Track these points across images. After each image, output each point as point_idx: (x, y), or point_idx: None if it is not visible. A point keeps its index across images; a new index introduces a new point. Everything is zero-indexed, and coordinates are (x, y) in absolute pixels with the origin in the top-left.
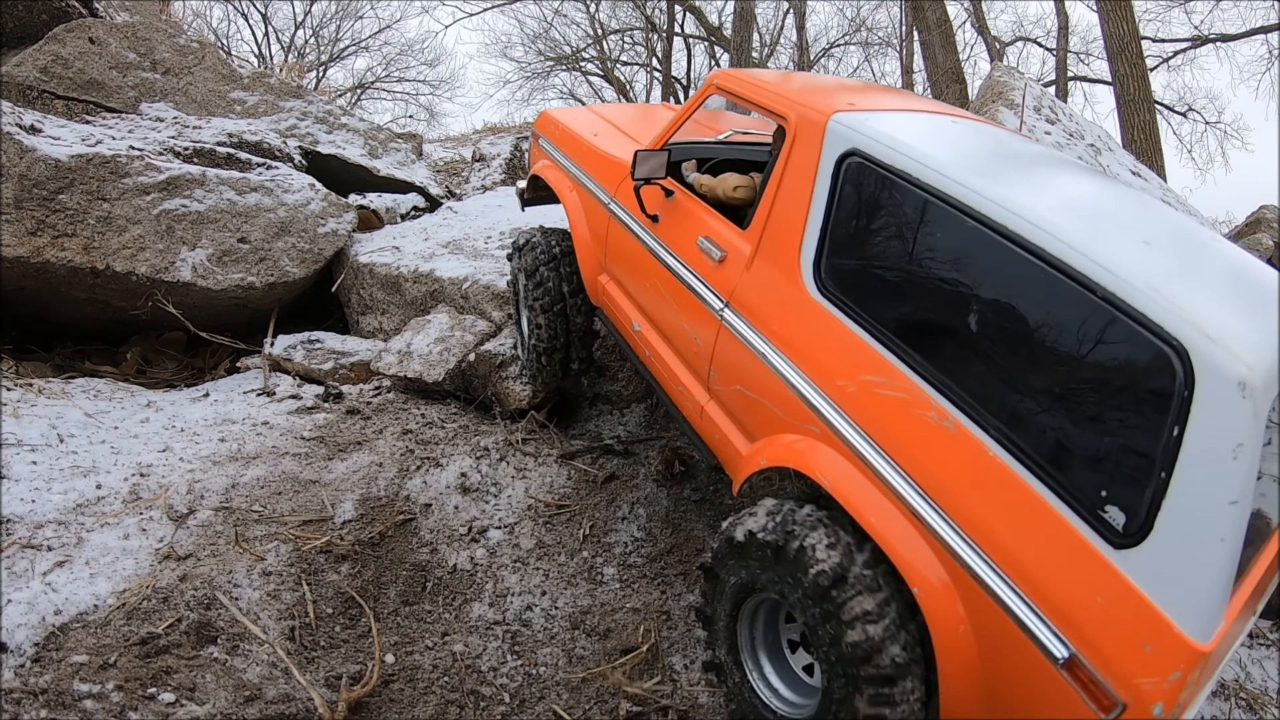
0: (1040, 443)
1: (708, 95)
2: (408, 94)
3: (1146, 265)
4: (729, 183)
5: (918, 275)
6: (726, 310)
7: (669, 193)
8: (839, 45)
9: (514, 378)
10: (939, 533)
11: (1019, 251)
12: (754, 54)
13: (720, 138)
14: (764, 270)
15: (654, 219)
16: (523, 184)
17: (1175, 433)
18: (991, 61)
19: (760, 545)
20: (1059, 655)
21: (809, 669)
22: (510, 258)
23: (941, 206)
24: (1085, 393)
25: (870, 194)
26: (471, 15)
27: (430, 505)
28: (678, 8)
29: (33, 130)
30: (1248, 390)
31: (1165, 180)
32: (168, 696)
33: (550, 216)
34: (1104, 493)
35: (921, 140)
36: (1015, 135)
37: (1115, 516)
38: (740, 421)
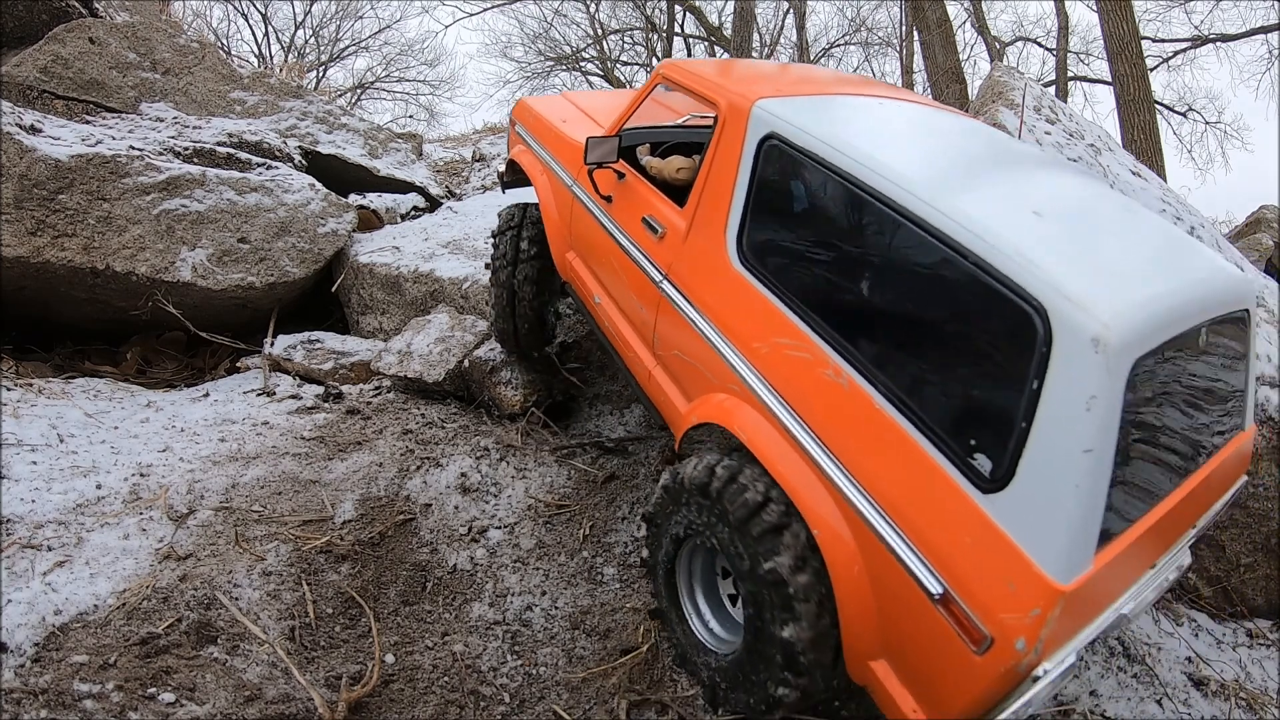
0: (919, 396)
1: (655, 85)
2: (408, 94)
3: (1025, 234)
4: (673, 164)
5: (820, 246)
6: (665, 282)
7: (621, 175)
8: (839, 45)
9: (506, 383)
10: (834, 479)
11: (904, 222)
12: (754, 54)
13: (679, 122)
14: (696, 245)
15: (608, 199)
16: (502, 168)
17: (1035, 386)
18: (991, 61)
19: (690, 489)
20: (934, 592)
21: (734, 598)
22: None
23: (840, 182)
24: (959, 350)
25: (784, 173)
26: (471, 15)
27: (430, 505)
28: (678, 8)
29: (33, 130)
30: (1101, 347)
31: (1165, 180)
32: (168, 696)
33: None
34: (973, 441)
35: (834, 122)
36: (948, 113)
37: (983, 464)
38: (680, 384)
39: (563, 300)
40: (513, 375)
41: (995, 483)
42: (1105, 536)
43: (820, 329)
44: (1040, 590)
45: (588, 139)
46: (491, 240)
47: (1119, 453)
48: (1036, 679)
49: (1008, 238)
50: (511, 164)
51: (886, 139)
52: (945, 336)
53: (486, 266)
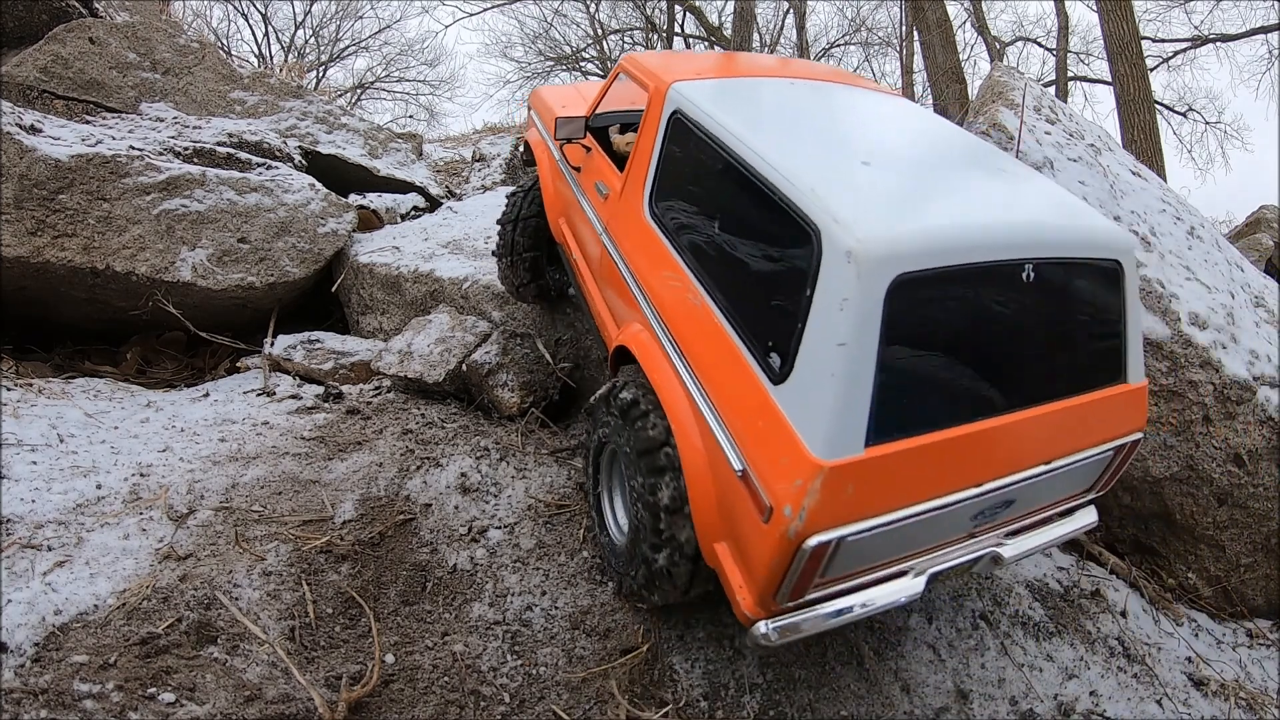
0: (740, 309)
1: (618, 75)
2: (408, 94)
3: (833, 177)
4: (625, 139)
5: (694, 197)
6: (604, 235)
7: (589, 149)
8: (839, 45)
9: (503, 385)
10: (685, 379)
11: (741, 171)
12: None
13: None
14: (625, 202)
15: (577, 170)
16: (522, 149)
17: (809, 293)
18: (991, 61)
19: (601, 398)
20: (738, 469)
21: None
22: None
23: (710, 145)
24: (768, 272)
25: (681, 141)
26: (471, 15)
27: (430, 505)
28: (678, 8)
29: (33, 130)
30: (853, 258)
31: (1165, 180)
32: (168, 696)
33: None
34: (770, 343)
35: (727, 100)
36: (864, 92)
37: (775, 361)
38: (615, 317)
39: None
40: (509, 378)
41: (781, 376)
42: (887, 432)
43: (688, 262)
44: (803, 464)
45: (557, 118)
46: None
47: (903, 369)
48: (808, 548)
49: (810, 179)
50: (525, 145)
51: (768, 112)
52: (760, 261)
53: (498, 222)
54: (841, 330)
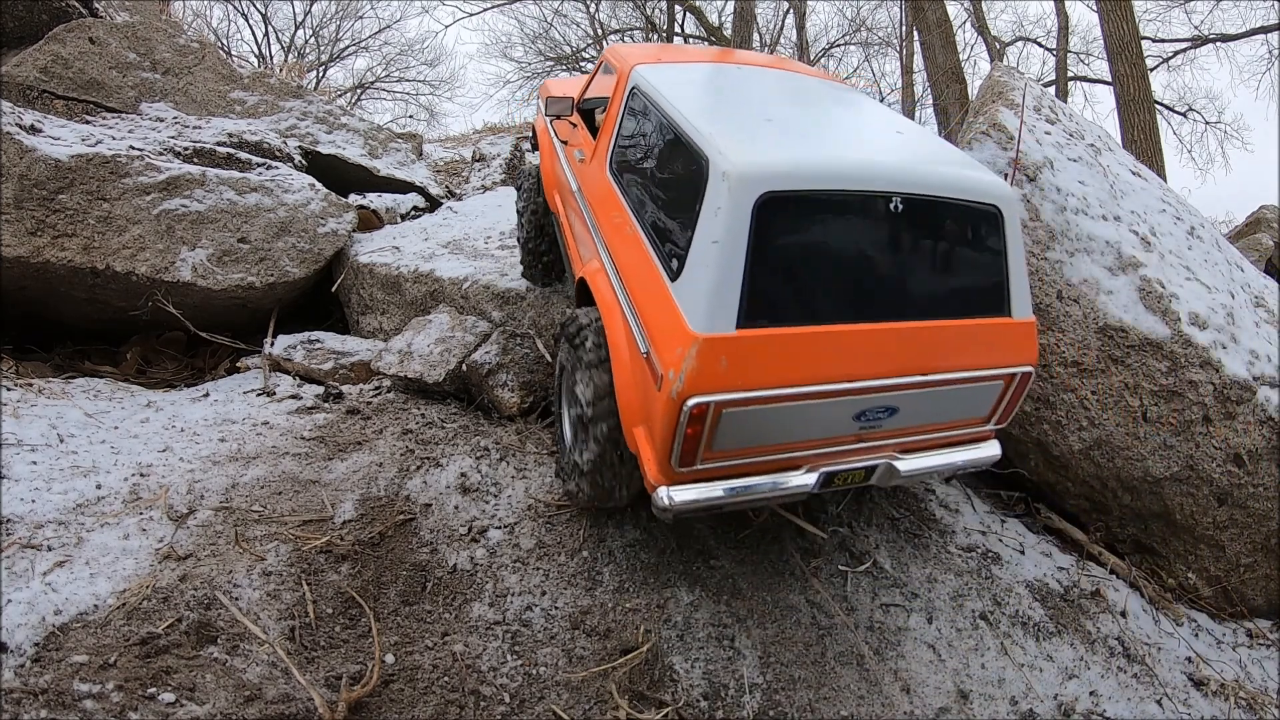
0: (656, 229)
1: (602, 64)
2: (408, 94)
3: (734, 129)
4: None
5: (639, 152)
6: (578, 193)
7: (575, 125)
8: (839, 45)
9: (502, 385)
10: (618, 294)
11: (670, 128)
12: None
13: None
14: (594, 164)
15: (564, 143)
16: (527, 143)
17: (697, 208)
18: (991, 61)
19: (561, 326)
20: (643, 350)
21: None
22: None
23: (652, 110)
24: (677, 197)
25: (635, 110)
26: (471, 15)
27: (430, 505)
28: (678, 8)
29: (33, 130)
30: (725, 178)
31: (1165, 180)
32: (168, 696)
33: None
34: (671, 250)
35: (673, 79)
36: (794, 74)
37: (674, 263)
38: (581, 259)
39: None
40: (509, 378)
41: (676, 274)
42: (756, 319)
43: (629, 202)
44: (685, 337)
45: (548, 97)
46: (516, 189)
47: (783, 267)
48: (688, 407)
49: (712, 129)
50: (532, 129)
51: (703, 88)
52: (673, 191)
53: (514, 184)
54: (714, 231)
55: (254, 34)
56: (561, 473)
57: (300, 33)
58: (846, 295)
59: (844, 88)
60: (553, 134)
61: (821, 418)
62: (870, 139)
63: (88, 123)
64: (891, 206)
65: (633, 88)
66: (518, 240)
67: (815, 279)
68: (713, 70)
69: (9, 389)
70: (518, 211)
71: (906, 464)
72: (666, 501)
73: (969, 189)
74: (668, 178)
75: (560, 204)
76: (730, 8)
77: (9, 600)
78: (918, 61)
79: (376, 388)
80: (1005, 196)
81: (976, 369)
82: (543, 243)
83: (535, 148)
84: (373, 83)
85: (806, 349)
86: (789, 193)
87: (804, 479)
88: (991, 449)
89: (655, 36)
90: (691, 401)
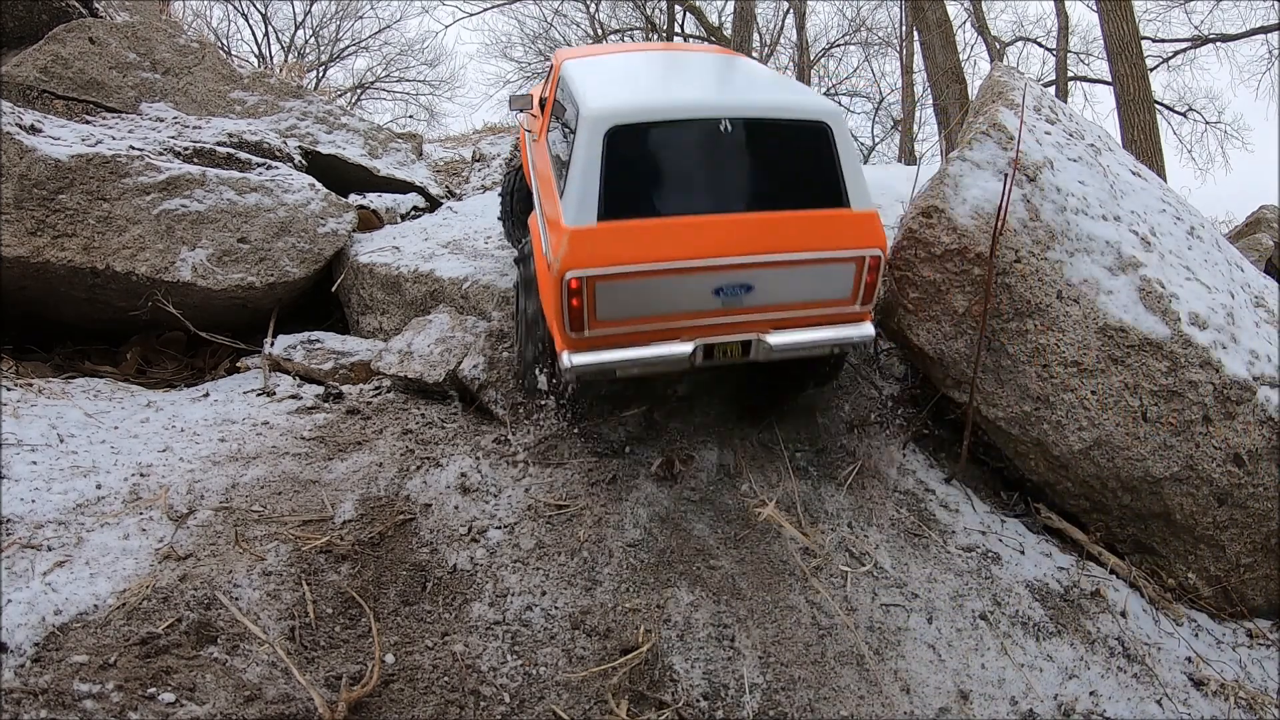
0: (559, 169)
1: (552, 66)
2: (408, 94)
3: (610, 88)
4: None
5: (560, 119)
6: (533, 166)
7: (537, 116)
8: (839, 45)
9: (493, 402)
10: (541, 225)
11: (570, 97)
12: (754, 54)
13: None
14: (540, 139)
15: (530, 132)
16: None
17: (574, 143)
18: (991, 61)
19: (517, 258)
20: (546, 255)
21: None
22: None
23: (566, 87)
24: (568, 141)
25: (561, 91)
26: (471, 15)
27: (430, 505)
28: (678, 8)
29: (33, 130)
30: (583, 119)
31: (1165, 180)
32: (168, 696)
33: None
34: (562, 179)
35: (589, 65)
36: (685, 52)
37: (562, 187)
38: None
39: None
40: (498, 395)
41: (563, 194)
42: (613, 215)
43: (552, 158)
44: (561, 231)
45: (511, 96)
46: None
47: (629, 176)
48: (567, 279)
49: (592, 90)
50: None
51: (607, 68)
52: (568, 139)
53: (499, 194)
54: (578, 157)
55: (254, 34)
56: (520, 380)
57: (300, 33)
58: (689, 194)
59: (735, 58)
60: (524, 126)
61: (684, 291)
62: (717, 86)
63: (88, 123)
64: (722, 128)
65: (560, 75)
66: (499, 218)
67: (660, 184)
68: (623, 56)
69: (9, 389)
70: (500, 195)
71: (778, 339)
72: (568, 364)
73: (796, 110)
74: (566, 130)
75: (531, 182)
76: (730, 8)
77: (9, 600)
78: (918, 61)
79: (376, 388)
80: (832, 114)
81: (819, 250)
82: (516, 209)
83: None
84: (373, 83)
85: (656, 235)
86: (630, 125)
87: (683, 348)
88: (863, 329)
89: (655, 37)
90: (568, 275)
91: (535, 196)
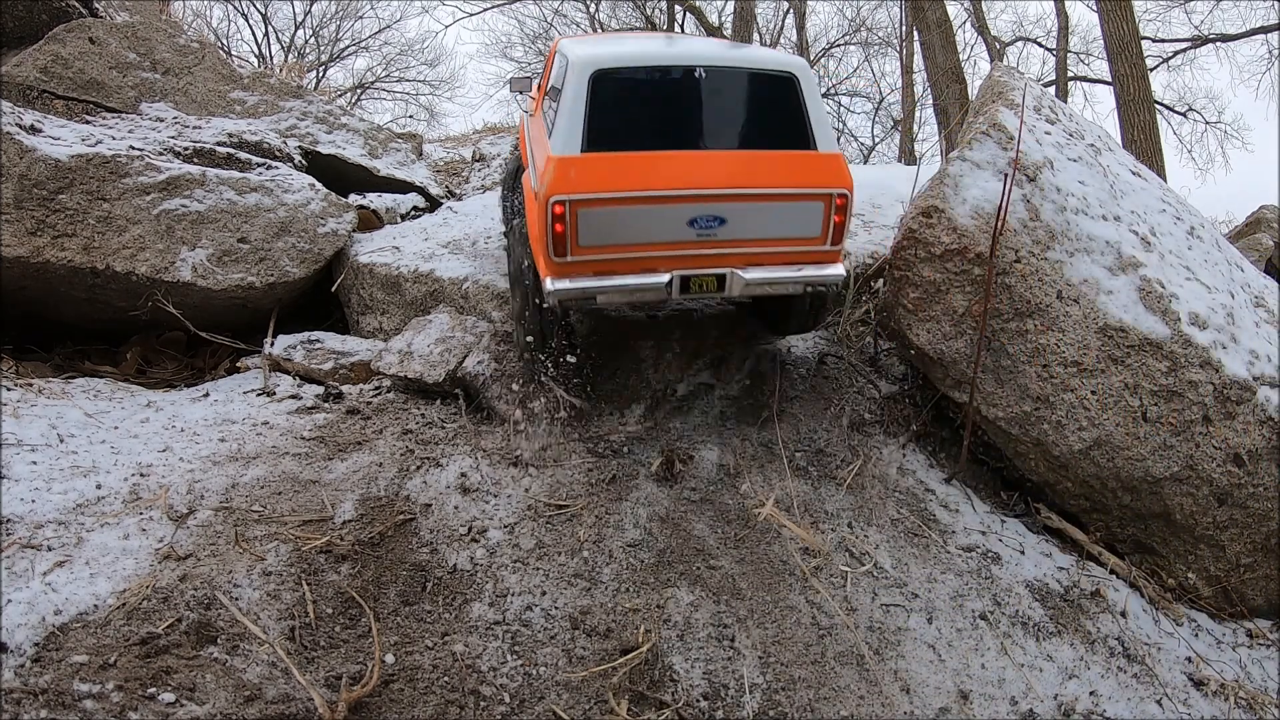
0: (550, 117)
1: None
2: (408, 94)
3: (598, 49)
4: None
5: (555, 85)
6: (529, 139)
7: (533, 98)
8: (839, 45)
9: (498, 398)
10: (531, 177)
11: (564, 61)
12: None
13: None
14: (536, 112)
15: (528, 113)
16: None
17: (564, 90)
18: (991, 61)
19: (505, 217)
20: (538, 191)
21: None
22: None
23: (561, 58)
24: (558, 92)
25: (557, 65)
26: (471, 15)
27: (430, 505)
28: (678, 8)
29: (33, 130)
30: (572, 66)
31: (1165, 180)
32: (168, 696)
33: None
34: (552, 122)
35: (583, 41)
36: (663, 36)
37: (551, 127)
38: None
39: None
40: (503, 390)
41: (551, 132)
42: (596, 147)
43: (545, 117)
44: (549, 159)
45: (510, 77)
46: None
47: (612, 115)
48: (551, 203)
49: (585, 52)
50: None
51: (596, 41)
52: (557, 90)
53: (499, 183)
54: (566, 96)
55: (254, 34)
56: (516, 327)
57: (300, 33)
58: (666, 133)
59: (725, 43)
60: (523, 110)
61: (660, 221)
62: (697, 47)
63: (88, 123)
64: (696, 75)
65: (556, 50)
66: (499, 201)
67: (640, 122)
68: (618, 35)
69: (9, 389)
70: (500, 180)
71: (752, 274)
72: (550, 289)
73: (765, 63)
74: (558, 87)
75: (526, 155)
76: (730, 8)
77: (9, 600)
78: (918, 61)
79: (376, 388)
80: (799, 66)
81: (787, 187)
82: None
83: None
84: (373, 83)
85: (635, 166)
86: (613, 69)
87: (660, 278)
88: (834, 269)
89: None
90: (553, 199)
91: (529, 158)
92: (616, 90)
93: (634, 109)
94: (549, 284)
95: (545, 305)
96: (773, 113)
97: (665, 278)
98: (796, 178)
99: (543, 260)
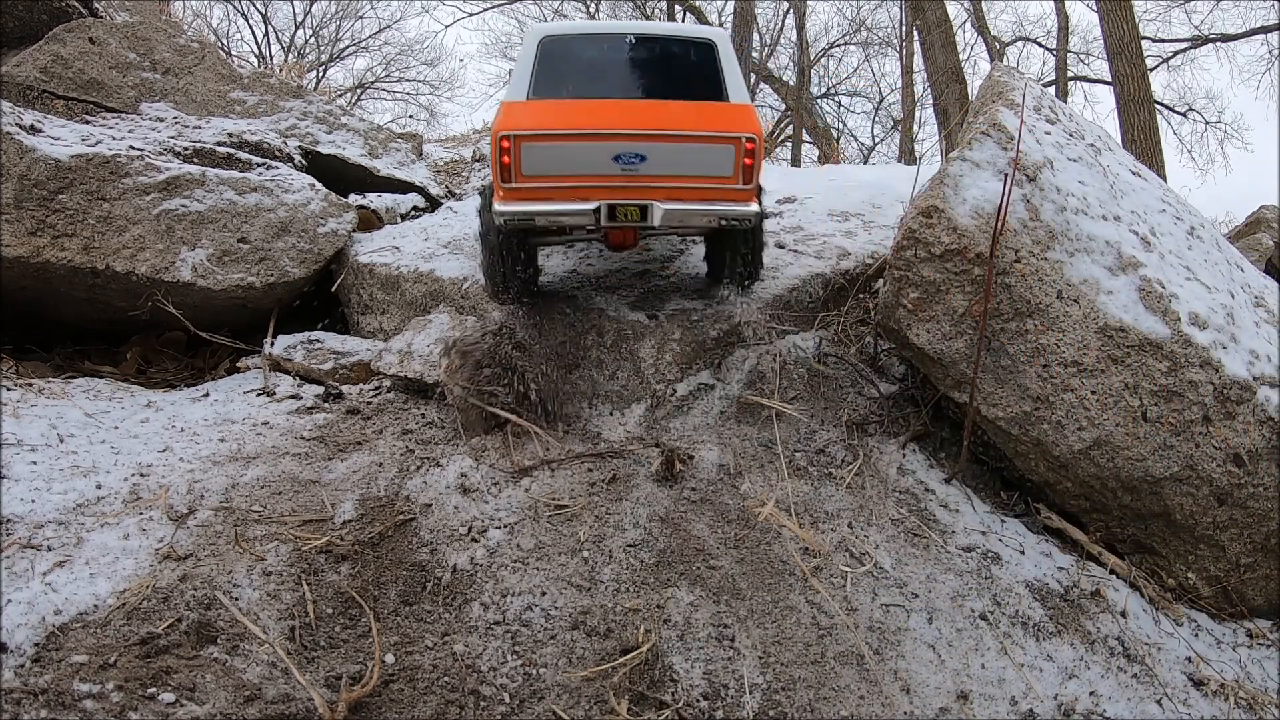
0: (513, 81)
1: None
2: (408, 94)
3: (551, 28)
4: None
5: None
6: None
7: None
8: (839, 45)
9: (494, 400)
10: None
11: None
12: (754, 54)
13: None
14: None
15: None
16: None
17: (519, 55)
18: (991, 61)
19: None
20: (493, 132)
21: None
22: None
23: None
24: (519, 56)
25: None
26: (471, 15)
27: (430, 505)
28: (678, 8)
29: (33, 130)
30: (528, 35)
31: (1165, 180)
32: (168, 696)
33: None
34: (521, 85)
35: (561, 29)
36: (640, 23)
37: (510, 84)
38: None
39: None
40: (500, 393)
41: (507, 87)
42: (539, 94)
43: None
44: (501, 105)
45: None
46: None
47: (555, 71)
48: (499, 137)
49: (538, 27)
50: None
51: (585, 28)
52: (518, 59)
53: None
54: (521, 59)
55: (254, 34)
56: (487, 275)
57: (300, 33)
58: (599, 85)
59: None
60: None
61: (590, 155)
62: (638, 24)
63: (88, 123)
64: (628, 40)
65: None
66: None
67: (578, 78)
68: (590, 27)
69: (9, 389)
70: (479, 190)
71: (670, 206)
72: (499, 210)
73: (691, 32)
74: (515, 57)
75: None
76: (730, 8)
77: (9, 600)
78: (918, 61)
79: (376, 388)
80: (718, 35)
81: (699, 130)
82: None
83: None
84: (373, 83)
85: (570, 110)
86: (557, 35)
87: (589, 205)
88: (748, 206)
89: None
90: (500, 134)
91: None
92: (560, 50)
93: (573, 66)
94: (498, 207)
95: (500, 236)
96: (693, 71)
97: (594, 205)
98: (709, 123)
99: (496, 188)
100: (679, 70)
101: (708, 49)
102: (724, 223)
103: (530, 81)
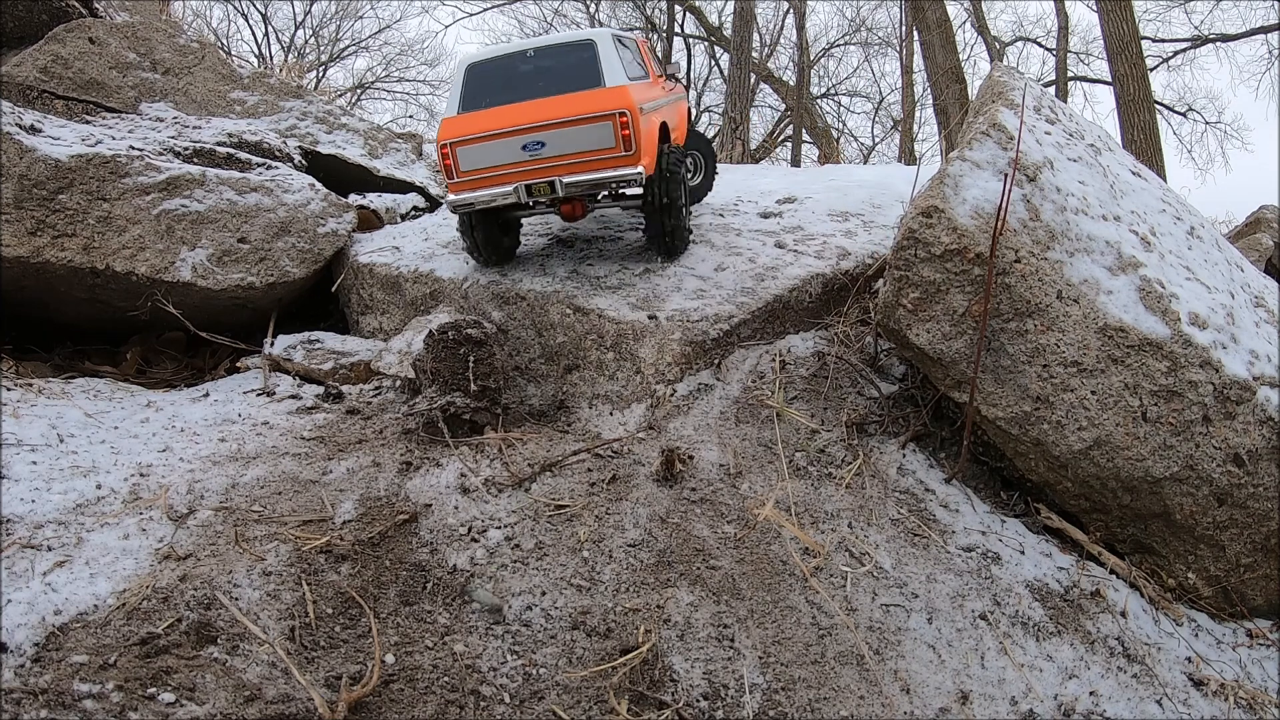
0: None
1: None
2: (408, 94)
3: (482, 51)
4: None
5: None
6: None
7: None
8: (839, 45)
9: (495, 399)
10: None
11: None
12: (754, 54)
13: None
14: None
15: None
16: None
17: (460, 81)
18: (991, 61)
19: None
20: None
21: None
22: None
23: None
24: (454, 80)
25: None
26: (471, 15)
27: (430, 505)
28: (678, 8)
29: (33, 130)
30: (458, 66)
31: (1165, 180)
32: (168, 696)
33: None
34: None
35: (492, 50)
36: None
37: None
38: None
39: None
40: (500, 392)
41: (445, 106)
42: (466, 108)
43: None
44: (441, 121)
45: None
46: None
47: (477, 89)
48: (440, 145)
49: (481, 55)
50: None
51: (500, 50)
52: (452, 82)
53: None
54: (454, 83)
55: (254, 34)
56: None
57: (300, 33)
58: (509, 94)
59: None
60: None
61: (505, 150)
62: (544, 39)
63: (88, 123)
64: (528, 54)
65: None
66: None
67: (494, 91)
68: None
69: (9, 389)
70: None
71: (571, 178)
72: (448, 198)
73: (576, 36)
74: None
75: None
76: (730, 8)
77: (9, 600)
78: (918, 61)
79: (377, 388)
80: (598, 34)
81: (581, 114)
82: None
83: None
84: (373, 83)
85: (488, 117)
86: (477, 61)
87: (510, 188)
88: (633, 169)
89: (655, 36)
90: (441, 143)
91: None
92: (481, 71)
93: (491, 82)
94: (449, 197)
95: (461, 217)
96: (577, 67)
97: (511, 186)
98: (588, 106)
99: (450, 184)
100: (567, 69)
101: (588, 47)
102: (615, 185)
103: (460, 99)
